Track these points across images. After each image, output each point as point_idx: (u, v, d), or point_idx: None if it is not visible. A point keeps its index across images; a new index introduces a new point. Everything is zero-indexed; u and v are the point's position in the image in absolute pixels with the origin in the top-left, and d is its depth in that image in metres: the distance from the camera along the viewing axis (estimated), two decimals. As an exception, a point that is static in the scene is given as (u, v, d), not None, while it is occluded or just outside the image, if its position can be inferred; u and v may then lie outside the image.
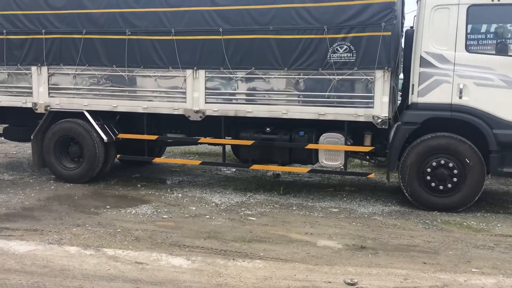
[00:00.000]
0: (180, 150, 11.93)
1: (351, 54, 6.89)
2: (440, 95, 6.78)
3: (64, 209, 6.79)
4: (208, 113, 7.63)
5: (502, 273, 4.70)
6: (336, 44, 6.94)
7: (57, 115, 8.42)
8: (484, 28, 7.22)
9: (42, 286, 4.22)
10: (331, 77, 7.01)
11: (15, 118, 9.32)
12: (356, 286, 4.32)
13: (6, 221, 6.14)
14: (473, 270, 4.77)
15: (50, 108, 8.38)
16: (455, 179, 6.73)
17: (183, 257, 4.97)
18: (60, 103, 8.33)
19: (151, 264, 4.76)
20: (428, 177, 6.82)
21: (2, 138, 10.17)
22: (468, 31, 6.74)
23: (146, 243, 5.38)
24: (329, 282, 4.38)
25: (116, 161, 9.01)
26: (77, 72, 8.14)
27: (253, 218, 6.45)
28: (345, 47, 6.90)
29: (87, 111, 8.16)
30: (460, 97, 6.68)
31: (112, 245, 5.29)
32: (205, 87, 7.60)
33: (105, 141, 8.11)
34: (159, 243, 5.41)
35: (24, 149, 12.23)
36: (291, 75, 7.20)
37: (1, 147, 12.53)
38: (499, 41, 7.18)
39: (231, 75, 7.44)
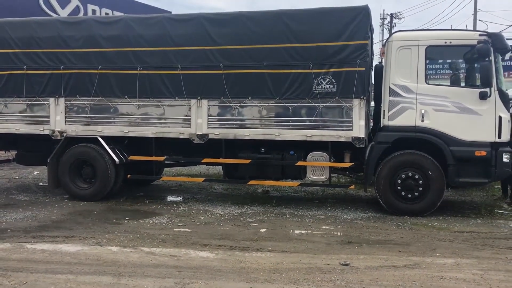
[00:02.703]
0: (173, 171, 13.00)
1: (332, 86, 8.24)
2: (406, 119, 8.15)
3: (89, 221, 7.78)
4: (210, 136, 8.80)
5: (460, 256, 6.01)
6: (320, 77, 8.28)
7: (71, 141, 9.42)
8: (439, 64, 8.78)
9: (102, 272, 5.26)
10: (316, 104, 8.33)
11: (26, 145, 10.24)
12: (349, 266, 5.54)
13: (44, 231, 7.11)
14: (437, 254, 6.07)
15: (66, 135, 9.37)
16: (420, 189, 8.07)
17: (207, 251, 6.09)
18: (76, 130, 9.35)
19: (184, 256, 5.87)
20: (399, 188, 8.14)
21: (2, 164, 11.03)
22: (427, 67, 8.21)
23: (172, 243, 6.47)
24: (328, 264, 5.59)
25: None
26: (92, 103, 9.21)
27: (255, 224, 7.62)
28: (328, 79, 8.26)
29: (101, 136, 9.21)
30: (422, 121, 8.07)
31: (145, 245, 6.36)
32: (208, 114, 8.80)
33: (116, 163, 9.14)
34: (182, 243, 6.50)
35: (25, 174, 13.05)
36: (282, 103, 8.47)
37: (1, 173, 13.28)
38: (451, 74, 8.74)
39: (230, 104, 8.68)
